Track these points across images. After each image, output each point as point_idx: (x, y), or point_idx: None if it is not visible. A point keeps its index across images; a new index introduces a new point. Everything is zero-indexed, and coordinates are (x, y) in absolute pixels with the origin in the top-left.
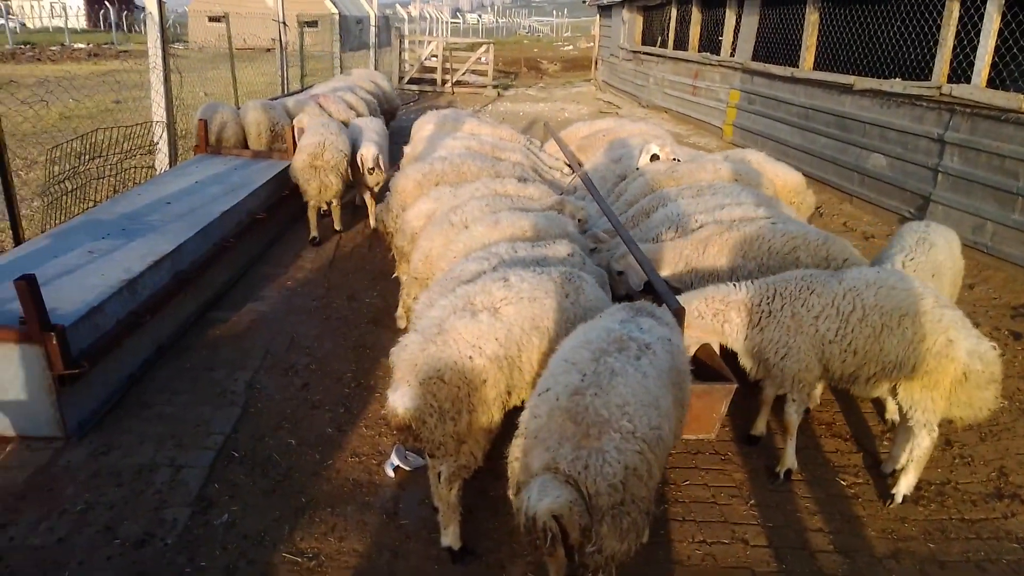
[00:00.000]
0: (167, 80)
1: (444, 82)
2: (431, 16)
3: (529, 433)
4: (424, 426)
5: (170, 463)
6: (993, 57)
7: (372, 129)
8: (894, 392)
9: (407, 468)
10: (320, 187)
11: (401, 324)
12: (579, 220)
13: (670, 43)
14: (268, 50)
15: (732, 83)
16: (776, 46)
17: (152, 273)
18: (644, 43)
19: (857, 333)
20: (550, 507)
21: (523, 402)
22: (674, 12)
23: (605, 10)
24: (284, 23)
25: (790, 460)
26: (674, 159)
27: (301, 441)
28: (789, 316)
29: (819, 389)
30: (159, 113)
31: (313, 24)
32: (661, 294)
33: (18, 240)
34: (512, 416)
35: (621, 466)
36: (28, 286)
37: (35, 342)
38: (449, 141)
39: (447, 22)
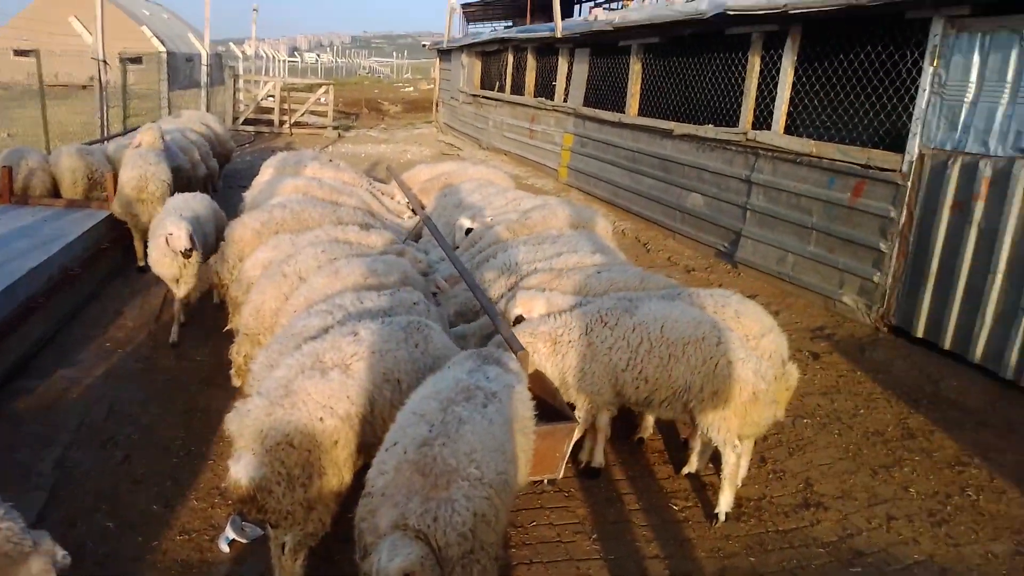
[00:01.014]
0: None
1: (282, 123)
2: (267, 55)
3: (376, 491)
4: (271, 496)
5: None
6: (789, 107)
7: (189, 206)
8: (691, 414)
9: (244, 540)
10: (150, 217)
11: (236, 383)
12: (421, 266)
13: (508, 88)
14: (84, 87)
15: (566, 127)
16: (605, 93)
17: None
18: (483, 87)
19: (646, 363)
20: (401, 567)
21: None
22: (511, 58)
23: (445, 54)
24: (104, 61)
25: (598, 458)
26: (489, 221)
27: (121, 523)
28: (586, 346)
29: (650, 420)
30: None
31: (137, 61)
32: (506, 339)
33: None
34: (361, 475)
35: (470, 513)
36: None
37: None
38: (290, 186)
39: (284, 61)
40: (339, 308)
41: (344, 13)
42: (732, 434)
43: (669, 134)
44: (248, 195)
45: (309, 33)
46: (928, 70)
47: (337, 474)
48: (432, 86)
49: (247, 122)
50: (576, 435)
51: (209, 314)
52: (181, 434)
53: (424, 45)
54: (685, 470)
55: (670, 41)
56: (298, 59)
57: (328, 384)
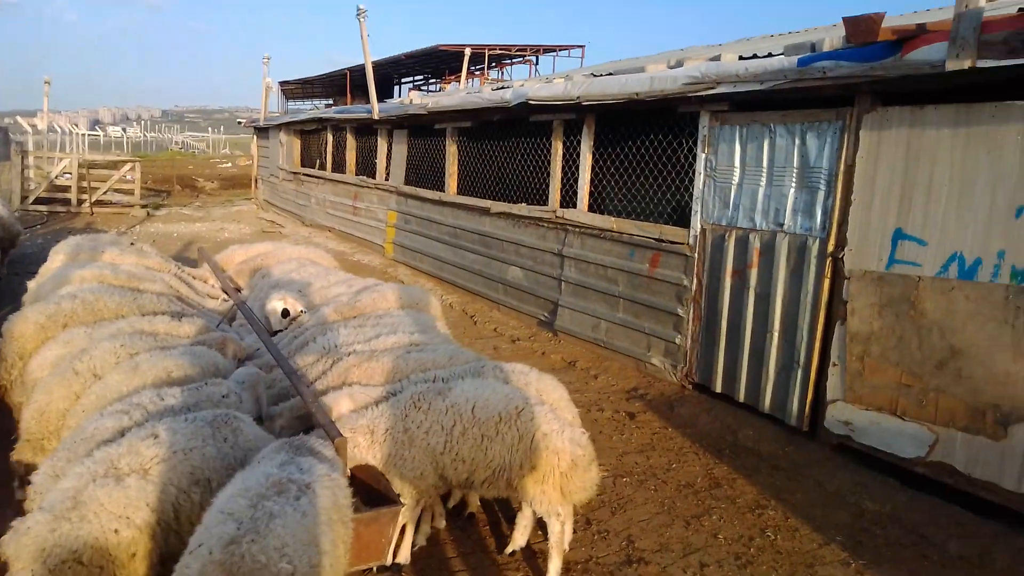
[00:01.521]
0: None
1: (80, 202)
2: (62, 129)
3: None
4: None
5: None
6: (590, 187)
7: None
8: (513, 489)
9: None
10: None
11: (19, 496)
12: (236, 355)
13: (329, 166)
14: None
15: (389, 204)
16: (425, 172)
17: None
18: (304, 164)
19: (461, 444)
20: None
21: None
22: (330, 137)
23: (262, 131)
24: None
25: (403, 554)
26: (301, 311)
27: None
28: (402, 432)
29: (475, 497)
30: None
31: None
32: (324, 427)
33: None
34: None
35: None
36: None
37: None
38: (82, 273)
39: (84, 135)
40: (137, 407)
41: (153, 87)
42: (555, 504)
43: (487, 212)
44: (32, 284)
45: (113, 106)
46: (701, 156)
47: None
48: (250, 163)
49: (39, 201)
50: (402, 519)
51: None
52: None
53: (240, 122)
54: (509, 549)
55: (482, 125)
56: (100, 133)
57: (124, 492)
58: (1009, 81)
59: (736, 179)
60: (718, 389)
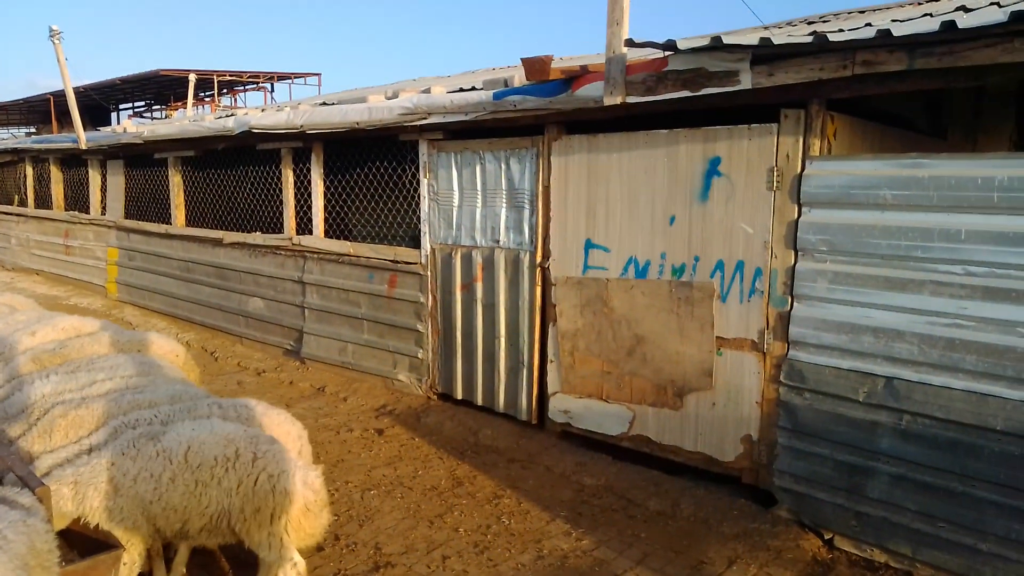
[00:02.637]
0: None
1: None
2: None
3: None
4: None
5: None
6: (325, 213)
7: None
8: (237, 536)
9: None
10: None
11: None
12: None
13: (31, 201)
14: None
15: (108, 240)
16: (148, 204)
17: None
18: None
19: (172, 492)
20: None
21: None
22: (30, 170)
23: None
24: None
25: None
26: None
27: None
28: (106, 481)
29: (184, 553)
30: None
31: None
32: (22, 478)
33: None
34: None
35: None
36: None
37: None
38: None
39: None
40: None
41: None
42: (288, 550)
43: (220, 242)
44: None
45: None
46: (424, 181)
47: None
48: None
49: None
50: (124, 563)
51: None
52: None
53: None
54: None
55: (207, 154)
56: None
57: None
58: (658, 113)
59: (456, 201)
60: (459, 396)
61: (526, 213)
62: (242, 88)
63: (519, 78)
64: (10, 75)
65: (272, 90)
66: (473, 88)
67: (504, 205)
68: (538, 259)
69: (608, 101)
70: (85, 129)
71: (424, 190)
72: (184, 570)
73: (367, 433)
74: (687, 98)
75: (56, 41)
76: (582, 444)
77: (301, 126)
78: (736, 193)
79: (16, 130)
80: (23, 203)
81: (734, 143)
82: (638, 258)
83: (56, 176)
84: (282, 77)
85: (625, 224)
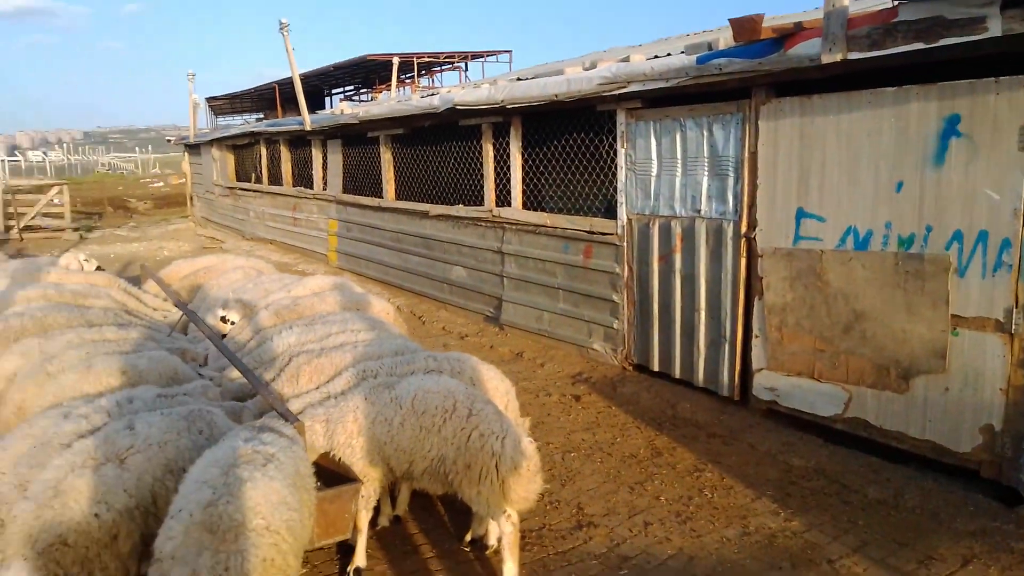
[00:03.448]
0: None
1: (8, 228)
2: None
3: (165, 555)
4: None
5: None
6: (523, 186)
7: None
8: (451, 486)
9: None
10: None
11: None
12: (193, 359)
13: (265, 179)
14: None
15: (329, 213)
16: (362, 179)
17: None
18: (239, 179)
19: (401, 435)
20: None
21: None
22: (264, 151)
23: (193, 148)
24: None
25: (359, 558)
26: (230, 321)
27: None
28: (351, 422)
29: (404, 495)
30: None
31: None
32: (281, 413)
33: None
34: None
35: (260, 559)
36: None
37: None
38: (26, 294)
39: (3, 161)
40: (82, 418)
41: (72, 108)
42: (498, 508)
43: (426, 215)
44: None
45: (32, 130)
46: (621, 151)
47: (122, 568)
48: (183, 181)
49: None
50: (363, 496)
51: None
52: None
53: (169, 140)
54: (468, 536)
55: (414, 131)
56: (20, 159)
57: (101, 479)
58: (883, 69)
59: (654, 171)
60: (655, 367)
61: (730, 181)
62: (439, 69)
63: (724, 40)
64: (242, 68)
65: (466, 69)
66: (669, 55)
67: (706, 173)
68: (743, 229)
69: (827, 59)
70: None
71: (621, 160)
72: (407, 508)
73: (564, 398)
74: (920, 51)
75: (285, 33)
76: (788, 423)
77: (501, 101)
78: (979, 155)
79: (248, 116)
80: (259, 180)
81: (977, 99)
82: (858, 228)
83: (285, 155)
84: (475, 56)
85: (843, 191)
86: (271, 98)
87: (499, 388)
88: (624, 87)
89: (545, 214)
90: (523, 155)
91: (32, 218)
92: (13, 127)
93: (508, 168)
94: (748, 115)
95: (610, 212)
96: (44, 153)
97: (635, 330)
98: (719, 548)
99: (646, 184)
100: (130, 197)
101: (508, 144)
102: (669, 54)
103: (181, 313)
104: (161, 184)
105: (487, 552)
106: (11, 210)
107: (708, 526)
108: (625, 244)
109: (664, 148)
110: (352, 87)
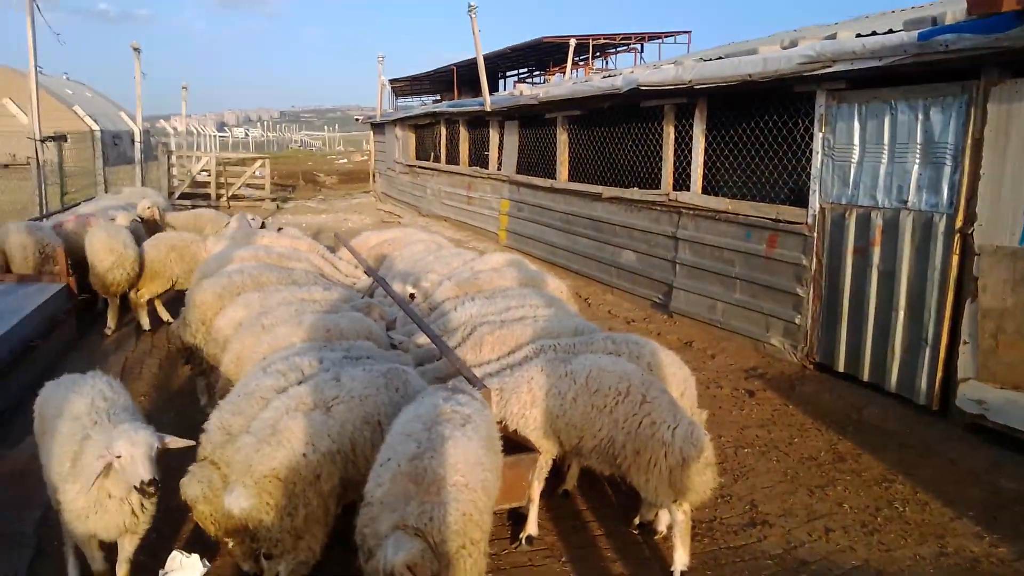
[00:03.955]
0: None
1: (219, 196)
2: (197, 131)
3: (375, 500)
4: (261, 525)
5: None
6: (704, 170)
7: None
8: (619, 469)
9: None
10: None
11: None
12: (386, 320)
13: (443, 158)
14: (6, 166)
15: (502, 193)
16: (536, 160)
17: None
18: (419, 157)
19: (573, 411)
20: (405, 559)
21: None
22: (444, 131)
23: (378, 127)
24: (44, 139)
25: (531, 527)
26: (411, 294)
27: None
28: (526, 392)
29: (574, 470)
30: None
31: (62, 138)
32: (469, 379)
33: None
34: (348, 511)
35: (460, 514)
36: None
37: None
38: (242, 254)
39: (214, 136)
40: (294, 369)
41: (271, 89)
42: (666, 497)
43: (599, 197)
44: (199, 265)
45: (237, 108)
46: (818, 135)
47: (323, 506)
48: (365, 157)
49: (183, 196)
50: (539, 465)
51: (176, 380)
52: (161, 492)
53: (357, 119)
54: (637, 520)
55: (592, 113)
56: (227, 134)
57: (310, 423)
58: None
59: (856, 157)
60: (840, 368)
61: (946, 170)
62: (614, 51)
63: (952, 15)
64: (418, 52)
65: (642, 51)
66: (890, 31)
67: (917, 161)
68: (958, 224)
69: None
70: (477, 95)
71: (817, 144)
72: (575, 483)
73: (737, 392)
74: None
75: (472, 15)
76: (997, 441)
77: (689, 81)
78: None
79: (425, 98)
80: (437, 159)
81: None
82: None
83: (463, 136)
84: (652, 37)
85: None
86: (448, 80)
87: (677, 375)
88: (829, 66)
89: (727, 199)
90: (706, 137)
91: (238, 188)
92: (222, 106)
93: (688, 151)
94: (975, 97)
95: (799, 200)
96: (246, 131)
97: (819, 327)
98: (912, 566)
99: (844, 171)
100: (318, 172)
101: (690, 126)
102: (891, 30)
103: (369, 280)
104: (345, 161)
105: (656, 537)
106: (221, 180)
107: (899, 541)
108: (815, 234)
109: (869, 133)
110: (526, 69)
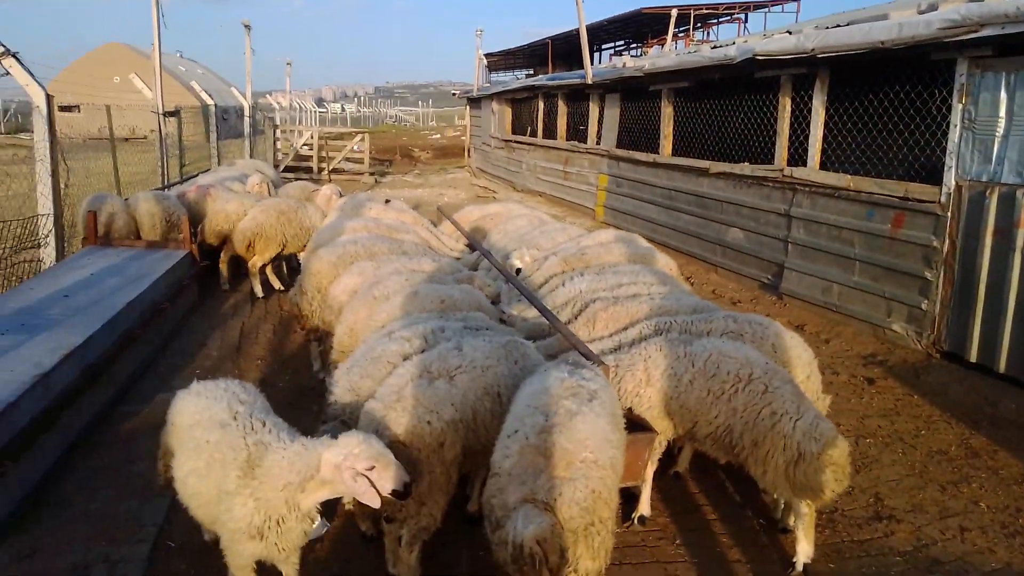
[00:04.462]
0: (55, 173)
1: (320, 170)
2: (299, 106)
3: (503, 472)
4: None
5: (104, 559)
6: (823, 144)
7: None
8: (735, 458)
9: (311, 537)
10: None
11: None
12: (491, 292)
13: (540, 132)
14: (126, 139)
15: (600, 168)
16: (637, 134)
17: (63, 367)
18: (515, 132)
19: (688, 394)
20: (535, 533)
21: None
22: (541, 105)
23: (474, 102)
24: (164, 114)
25: (644, 507)
26: (518, 269)
27: None
28: (641, 371)
29: (687, 452)
30: (46, 206)
31: (174, 114)
32: (586, 355)
33: None
34: (465, 479)
35: (589, 490)
36: None
37: None
38: (353, 224)
39: (313, 112)
40: (419, 336)
41: (366, 65)
42: (785, 492)
43: (705, 172)
44: (313, 234)
45: (334, 84)
46: (957, 107)
47: (445, 473)
48: (458, 133)
49: (287, 169)
50: (654, 445)
51: (289, 345)
52: None
53: (454, 94)
54: (781, 524)
55: (700, 85)
56: (325, 109)
57: (435, 392)
58: None
59: (1001, 130)
60: (972, 358)
61: None
62: (715, 21)
63: None
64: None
65: (746, 20)
66: None
67: None
68: None
69: None
70: (571, 68)
71: (955, 117)
72: (687, 466)
73: (855, 380)
74: None
75: None
76: None
77: (812, 50)
78: None
79: (518, 73)
80: (533, 134)
81: None
82: None
83: (561, 109)
84: (758, 6)
85: None
86: (542, 54)
87: (802, 358)
88: (975, 31)
89: (847, 176)
90: (827, 110)
91: (338, 162)
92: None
93: (803, 125)
94: None
95: (930, 177)
96: (342, 106)
97: (949, 313)
98: None
99: (987, 146)
100: (413, 147)
101: (810, 98)
102: None
103: (472, 254)
104: (438, 136)
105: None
106: (323, 154)
107: None
108: (949, 214)
109: (1018, 104)
110: (622, 42)
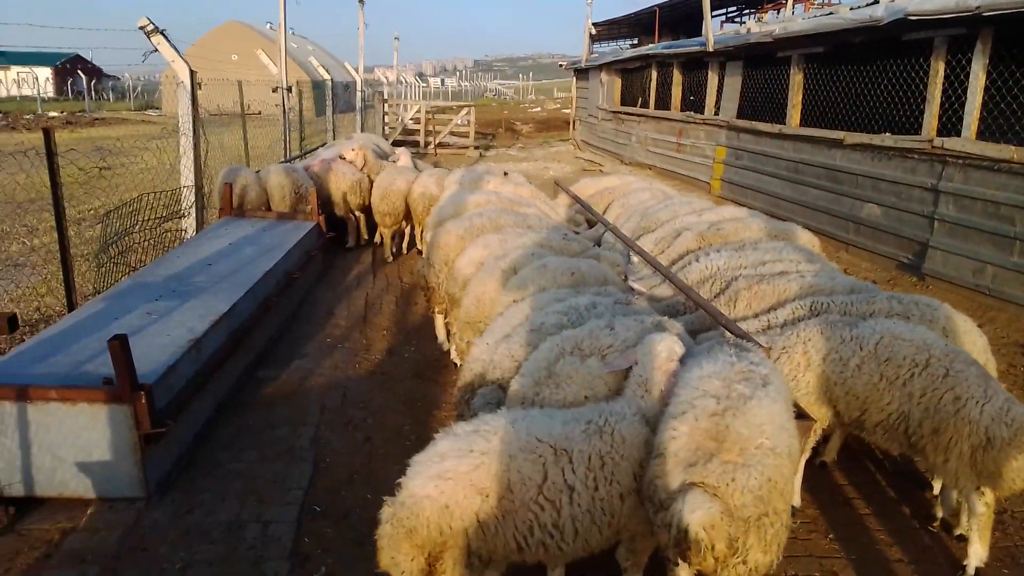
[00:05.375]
0: (197, 147)
1: (427, 143)
2: (405, 80)
3: (668, 453)
4: None
5: (256, 519)
6: (980, 112)
7: None
8: (913, 449)
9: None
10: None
11: (458, 362)
12: (618, 270)
13: (651, 103)
14: (247, 114)
15: (718, 140)
16: (761, 104)
17: (213, 332)
18: (624, 103)
19: (856, 379)
20: (701, 519)
21: None
22: (654, 74)
23: (582, 73)
24: (289, 89)
25: (795, 497)
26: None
27: (377, 493)
28: (800, 354)
29: (836, 442)
30: (189, 178)
31: (288, 90)
32: (740, 336)
33: (71, 305)
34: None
35: (764, 478)
36: (120, 346)
37: (124, 402)
38: (475, 198)
39: (418, 86)
40: (573, 310)
41: (465, 39)
42: (969, 483)
43: (838, 144)
44: (435, 208)
45: (434, 59)
46: None
47: None
48: (558, 105)
49: (394, 143)
50: (811, 434)
51: (409, 316)
52: (408, 420)
53: (561, 65)
54: (947, 524)
55: (836, 49)
56: (427, 84)
57: (588, 370)
58: None
59: None
60: None
61: None
62: None
63: None
64: None
65: None
66: None
67: None
68: None
69: None
70: (677, 37)
71: None
72: (835, 456)
73: (1015, 370)
74: None
75: None
76: None
77: (976, 8)
78: None
79: (622, 42)
80: (645, 105)
81: None
82: None
83: (676, 79)
84: None
85: None
86: (648, 23)
87: (977, 343)
88: None
89: (1011, 147)
90: (988, 74)
91: (444, 136)
92: (420, 56)
93: (960, 91)
94: None
95: None
96: (442, 80)
97: None
98: None
99: None
100: (515, 120)
101: (968, 61)
102: None
103: (593, 228)
104: (539, 109)
105: (932, 526)
106: (429, 128)
107: None
108: None
109: None
110: (735, 8)
